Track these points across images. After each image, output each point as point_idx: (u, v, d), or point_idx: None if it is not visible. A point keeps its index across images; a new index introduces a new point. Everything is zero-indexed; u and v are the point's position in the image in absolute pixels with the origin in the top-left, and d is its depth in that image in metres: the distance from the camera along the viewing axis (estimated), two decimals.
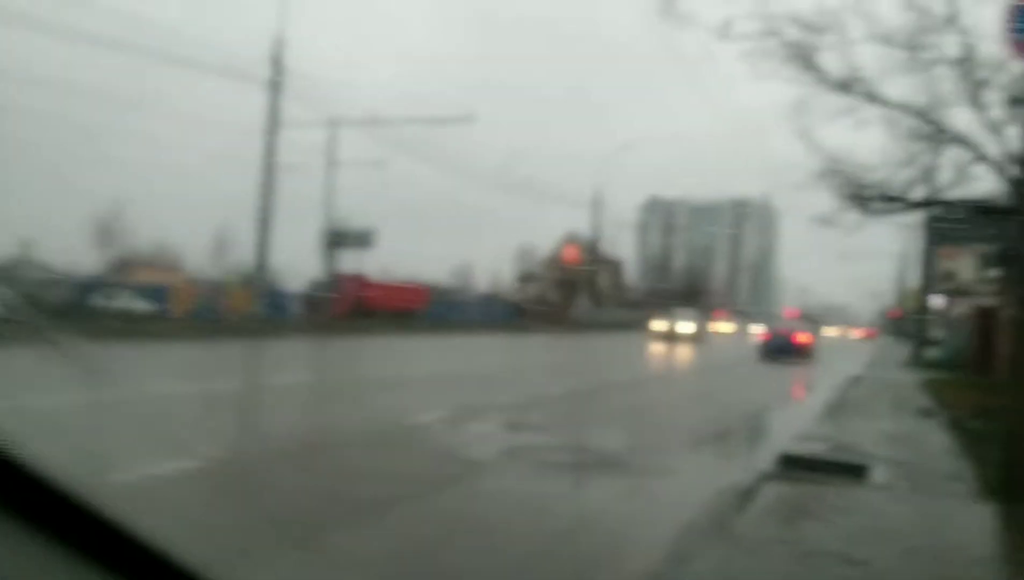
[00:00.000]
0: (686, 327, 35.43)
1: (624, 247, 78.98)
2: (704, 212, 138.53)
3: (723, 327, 58.35)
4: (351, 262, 35.45)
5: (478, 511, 5.55)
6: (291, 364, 17.52)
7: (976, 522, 5.52)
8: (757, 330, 60.44)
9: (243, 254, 33.02)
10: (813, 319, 49.03)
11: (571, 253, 65.48)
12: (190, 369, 14.39)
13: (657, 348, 29.69)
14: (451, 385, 13.50)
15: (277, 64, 26.44)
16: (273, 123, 26.61)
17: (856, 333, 69.97)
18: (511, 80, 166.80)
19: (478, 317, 45.52)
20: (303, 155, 28.47)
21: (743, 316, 74.41)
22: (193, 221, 58.11)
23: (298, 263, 34.97)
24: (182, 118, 63.72)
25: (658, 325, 35.65)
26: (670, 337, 33.42)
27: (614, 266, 72.47)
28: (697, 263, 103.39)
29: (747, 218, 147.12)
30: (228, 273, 40.04)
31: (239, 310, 27.76)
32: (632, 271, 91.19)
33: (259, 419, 9.54)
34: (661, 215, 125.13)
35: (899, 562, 4.41)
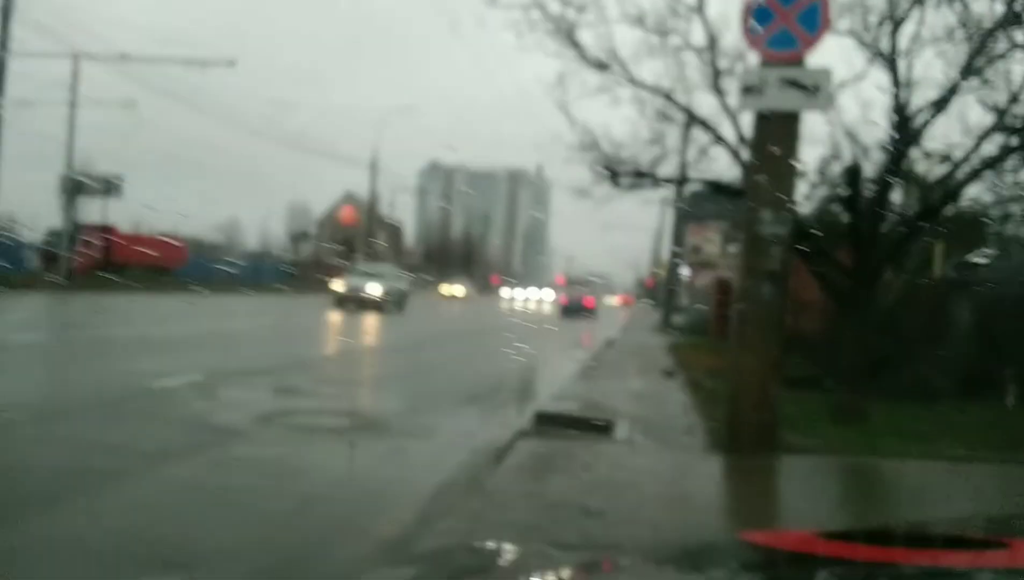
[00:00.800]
0: (374, 289, 26.47)
1: (404, 211, 78.87)
2: (482, 180, 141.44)
3: (454, 290, 52.36)
4: (98, 212, 32.26)
5: (222, 481, 5.18)
6: (20, 321, 15.61)
7: (703, 472, 6.07)
8: (510, 295, 57.70)
9: None
10: (582, 284, 51.73)
11: (348, 214, 64.21)
12: None
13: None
14: (206, 347, 12.66)
15: None
16: (3, 51, 23.39)
17: (615, 300, 74.96)
18: (280, 31, 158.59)
19: (245, 277, 43.33)
20: (41, 91, 25.30)
21: (515, 281, 76.68)
22: None
23: (37, 211, 31.20)
24: None
25: (339, 286, 27.25)
26: (354, 301, 25.70)
27: (393, 229, 72.05)
28: (475, 229, 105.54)
29: (522, 188, 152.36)
30: None
31: None
32: (411, 235, 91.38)
33: None
34: (441, 180, 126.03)
35: (632, 511, 4.70)
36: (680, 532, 4.40)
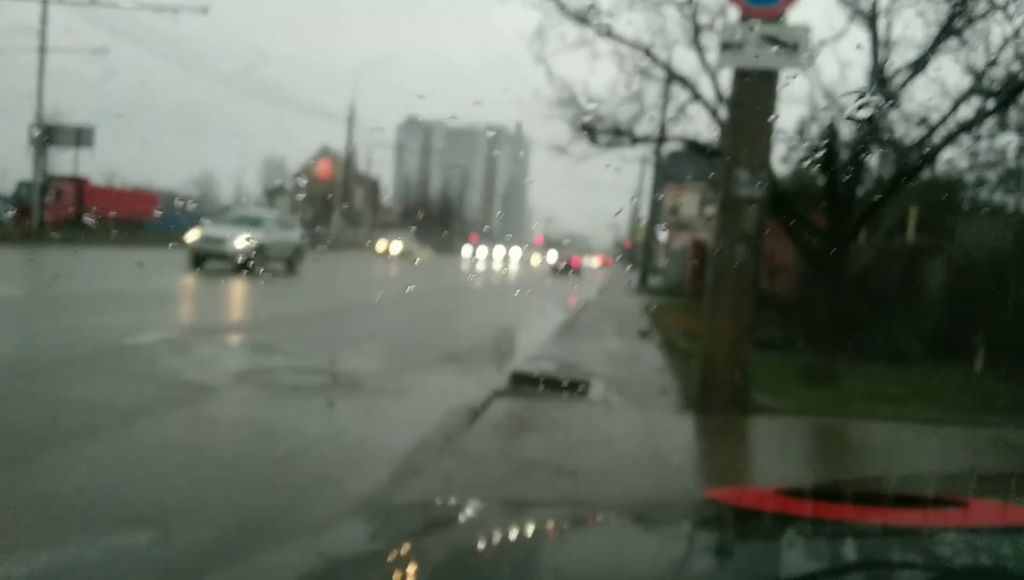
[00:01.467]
0: (240, 243, 18.47)
1: (382, 166, 78.24)
2: (461, 137, 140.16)
3: (391, 247, 37.94)
4: (70, 164, 31.70)
5: (196, 438, 5.14)
6: None
7: (675, 432, 6.14)
8: (471, 254, 50.49)
9: None
10: (560, 245, 52.04)
11: (325, 168, 63.57)
12: None
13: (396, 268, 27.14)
14: (181, 303, 12.59)
15: None
16: None
17: (595, 261, 75.05)
18: None
19: None
20: (7, 37, 24.65)
21: (481, 240, 75.29)
22: None
23: (6, 163, 30.64)
24: None
25: (194, 237, 19.29)
26: (214, 258, 18.52)
27: (371, 185, 71.41)
28: (453, 187, 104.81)
29: (501, 146, 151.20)
30: None
31: None
32: (389, 191, 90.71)
33: None
34: (419, 136, 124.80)
35: (604, 470, 4.74)
36: (650, 490, 4.45)
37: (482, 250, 55.95)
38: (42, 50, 26.45)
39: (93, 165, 35.28)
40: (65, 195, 31.05)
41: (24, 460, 4.26)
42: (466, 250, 54.82)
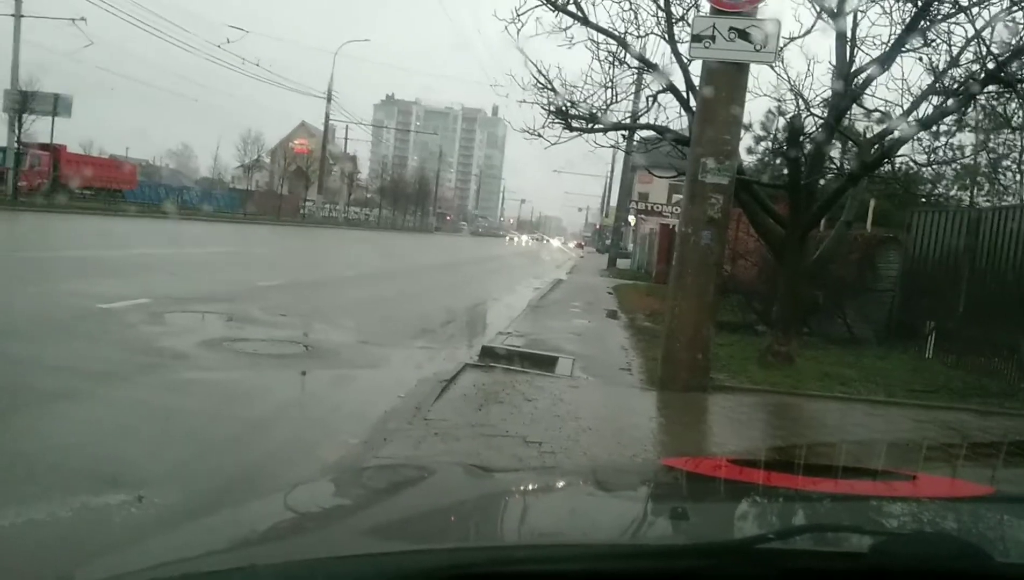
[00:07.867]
0: None
1: (359, 145, 77.54)
2: (438, 117, 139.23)
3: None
4: (46, 132, 31.10)
5: (169, 403, 5.16)
6: None
7: (638, 406, 6.34)
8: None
9: None
10: (533, 230, 53.67)
11: (303, 144, 62.98)
12: None
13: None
14: (155, 271, 12.54)
15: None
16: None
17: (571, 244, 75.91)
18: None
19: (196, 202, 42.84)
20: None
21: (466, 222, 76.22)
22: None
23: None
24: None
25: None
26: None
27: (348, 162, 70.81)
28: (429, 167, 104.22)
29: (477, 127, 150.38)
30: None
31: None
32: (366, 169, 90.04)
33: None
34: (397, 115, 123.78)
35: (568, 440, 4.92)
36: (611, 459, 4.65)
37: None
38: (18, 15, 25.86)
39: (70, 134, 34.61)
40: (41, 162, 30.52)
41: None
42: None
